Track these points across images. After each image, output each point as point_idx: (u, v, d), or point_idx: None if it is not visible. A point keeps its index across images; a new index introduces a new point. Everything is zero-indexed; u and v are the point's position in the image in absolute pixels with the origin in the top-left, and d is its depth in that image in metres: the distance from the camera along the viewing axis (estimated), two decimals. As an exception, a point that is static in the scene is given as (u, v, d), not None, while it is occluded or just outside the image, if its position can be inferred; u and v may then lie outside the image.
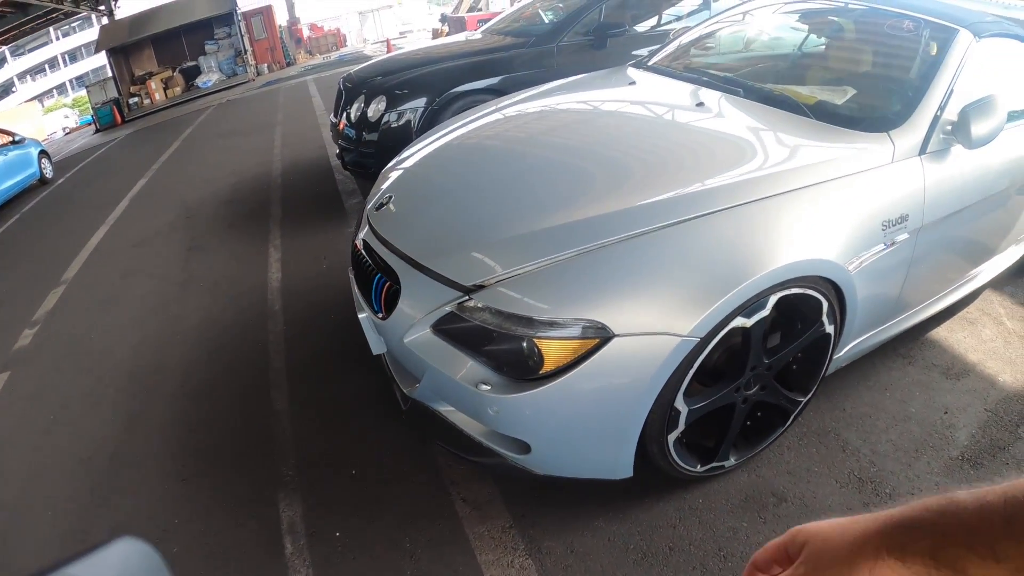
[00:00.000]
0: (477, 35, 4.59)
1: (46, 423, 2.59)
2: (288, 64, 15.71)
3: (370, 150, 3.85)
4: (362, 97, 3.88)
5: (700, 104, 2.11)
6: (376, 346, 1.83)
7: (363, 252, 1.88)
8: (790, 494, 1.78)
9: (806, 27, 2.63)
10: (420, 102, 3.74)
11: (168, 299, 3.23)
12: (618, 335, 1.38)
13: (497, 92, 3.75)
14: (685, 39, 2.87)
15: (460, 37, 4.79)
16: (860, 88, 2.11)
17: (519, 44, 4.07)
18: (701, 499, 1.78)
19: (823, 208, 1.62)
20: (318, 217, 3.98)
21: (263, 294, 3.08)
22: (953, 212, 1.87)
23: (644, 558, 1.63)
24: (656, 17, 4.47)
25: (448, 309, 1.51)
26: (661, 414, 1.51)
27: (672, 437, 1.58)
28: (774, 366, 1.66)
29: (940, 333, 2.45)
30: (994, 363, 2.27)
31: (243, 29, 16.04)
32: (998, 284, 2.62)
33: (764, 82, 2.30)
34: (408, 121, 3.74)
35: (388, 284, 1.69)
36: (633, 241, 1.48)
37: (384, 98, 3.77)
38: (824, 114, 1.94)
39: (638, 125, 2.15)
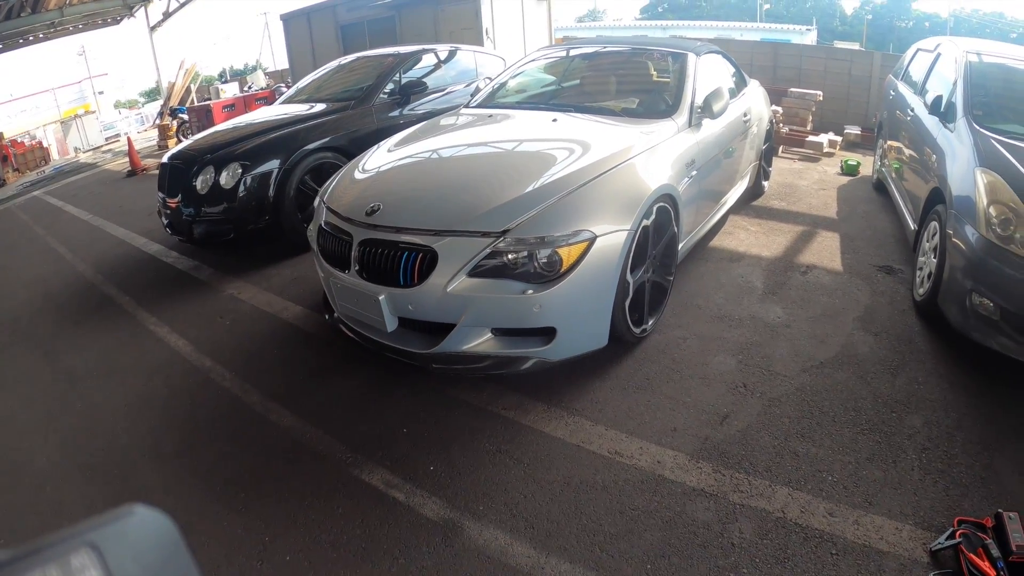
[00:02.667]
0: (294, 105, 5.14)
1: None
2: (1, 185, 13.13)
3: (227, 216, 4.10)
4: (209, 168, 4.12)
5: (555, 120, 3.22)
6: (390, 323, 2.43)
7: (367, 250, 2.44)
8: (686, 333, 2.96)
9: (595, 64, 4.08)
10: (275, 163, 4.18)
11: (63, 399, 2.96)
12: (599, 235, 2.32)
13: (336, 148, 4.45)
14: (499, 81, 4.05)
15: (277, 109, 5.25)
16: (643, 97, 3.52)
17: (342, 107, 4.79)
18: (642, 350, 2.82)
19: (661, 159, 2.87)
20: (180, 292, 3.95)
21: (182, 361, 3.07)
22: (712, 156, 3.37)
23: (642, 387, 2.60)
24: (441, 78, 5.63)
25: (488, 251, 2.25)
26: (622, 287, 2.48)
27: (627, 303, 2.55)
28: (658, 254, 2.80)
29: (716, 242, 4.01)
30: (755, 249, 3.90)
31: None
32: (736, 209, 4.35)
33: (582, 102, 3.58)
34: (266, 182, 4.14)
35: (420, 256, 2.32)
36: (585, 187, 2.47)
37: (238, 164, 4.10)
38: (630, 114, 3.26)
39: (532, 133, 3.17)
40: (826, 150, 6.26)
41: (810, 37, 23.47)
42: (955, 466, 2.09)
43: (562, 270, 2.27)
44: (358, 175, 3.00)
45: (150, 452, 2.46)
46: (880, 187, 4.99)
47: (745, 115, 4.06)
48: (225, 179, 4.09)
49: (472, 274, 2.27)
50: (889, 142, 4.77)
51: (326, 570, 1.83)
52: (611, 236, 2.38)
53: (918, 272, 3.22)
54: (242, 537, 1.97)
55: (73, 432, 2.66)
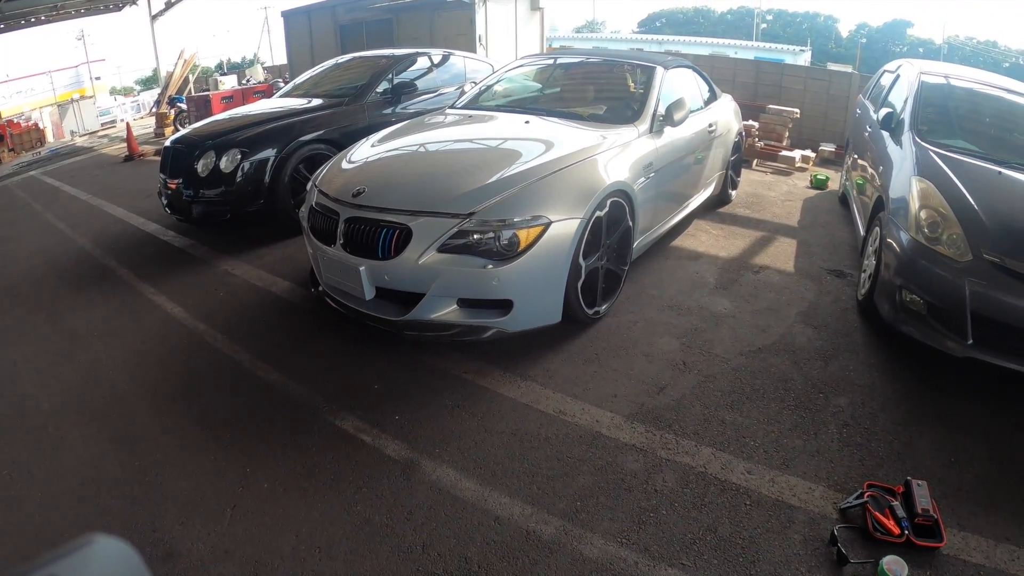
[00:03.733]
0: (292, 99, 5.48)
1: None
2: (-5, 164, 13.33)
3: (224, 198, 4.43)
4: (211, 153, 4.45)
5: (527, 122, 3.57)
6: (368, 291, 2.77)
7: (351, 227, 2.77)
8: (637, 318, 3.28)
9: (572, 73, 4.45)
10: (272, 151, 4.51)
11: (66, 353, 3.19)
12: (554, 221, 2.67)
13: (329, 141, 4.79)
14: (483, 86, 4.41)
15: (275, 102, 5.59)
16: (612, 104, 3.90)
17: (337, 103, 5.14)
18: (595, 329, 3.16)
19: (619, 159, 3.23)
20: (176, 266, 4.26)
21: (178, 325, 3.37)
22: (672, 161, 3.75)
23: (590, 360, 2.93)
24: (432, 80, 5.98)
25: (455, 230, 2.59)
26: (574, 269, 2.83)
27: (579, 284, 2.90)
28: (611, 244, 3.15)
29: (678, 242, 4.37)
30: (713, 250, 4.28)
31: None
32: (700, 214, 4.73)
33: (554, 107, 3.95)
34: (263, 168, 4.47)
35: (397, 233, 2.66)
36: (546, 179, 2.83)
37: (238, 151, 4.43)
38: (596, 119, 3.64)
39: (505, 132, 3.53)
40: (798, 164, 6.65)
41: (804, 58, 24.19)
42: (874, 441, 2.35)
43: (519, 249, 2.61)
44: (346, 164, 3.34)
45: (148, 398, 2.78)
46: (844, 200, 5.36)
47: (711, 126, 4.43)
48: (225, 164, 4.42)
49: (441, 250, 2.61)
50: (853, 157, 5.13)
51: (298, 495, 2.15)
52: (565, 223, 2.72)
53: (862, 274, 3.53)
54: (226, 468, 2.29)
55: (75, 381, 2.97)
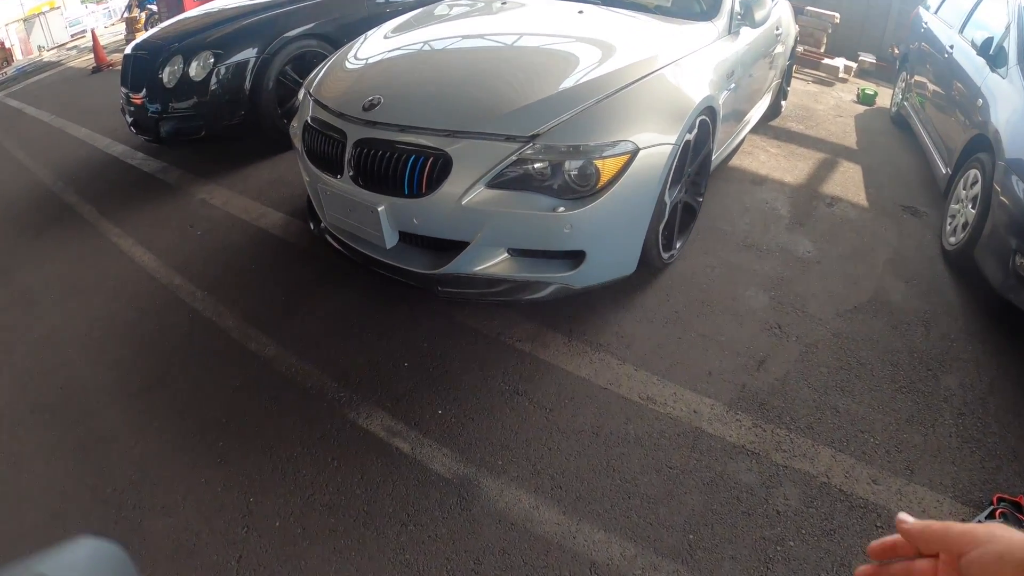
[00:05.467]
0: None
1: None
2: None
3: (197, 111, 3.44)
4: (177, 59, 3.41)
5: (581, 11, 2.58)
6: (390, 238, 1.95)
7: (364, 151, 1.91)
8: (713, 260, 2.55)
9: None
10: (252, 52, 3.46)
11: (19, 326, 2.42)
12: (642, 148, 1.83)
13: (321, 36, 3.71)
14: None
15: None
16: None
17: (328, -8, 3.99)
18: (668, 277, 2.41)
19: (704, 67, 2.31)
20: (146, 198, 3.34)
21: (148, 280, 2.56)
22: (748, 70, 2.79)
23: (670, 320, 2.20)
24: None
25: (513, 158, 1.74)
26: (659, 208, 2.02)
27: (661, 227, 2.11)
28: (692, 172, 2.32)
29: (736, 162, 3.50)
30: (777, 173, 3.41)
31: None
32: (756, 129, 3.81)
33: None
34: (242, 72, 3.45)
35: (430, 161, 1.81)
36: (625, 91, 1.93)
37: (210, 53, 3.39)
38: (664, 12, 2.63)
39: (557, 24, 2.50)
40: (841, 75, 5.65)
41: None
42: (989, 436, 1.83)
43: (599, 186, 1.79)
44: (351, 64, 2.38)
45: (115, 388, 2.01)
46: (901, 122, 4.49)
47: (777, 28, 3.44)
48: (195, 70, 3.38)
49: (492, 185, 1.77)
50: (916, 77, 4.22)
51: (323, 540, 1.46)
52: (655, 149, 1.88)
53: (949, 220, 2.82)
54: (223, 497, 1.58)
55: (28, 366, 2.18)
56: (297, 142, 2.26)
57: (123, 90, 3.71)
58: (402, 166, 1.84)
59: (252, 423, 1.80)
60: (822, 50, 6.12)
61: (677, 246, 2.42)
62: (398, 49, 2.43)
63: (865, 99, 5.14)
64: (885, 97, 5.15)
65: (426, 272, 1.96)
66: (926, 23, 4.42)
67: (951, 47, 3.61)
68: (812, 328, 2.21)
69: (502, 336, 2.09)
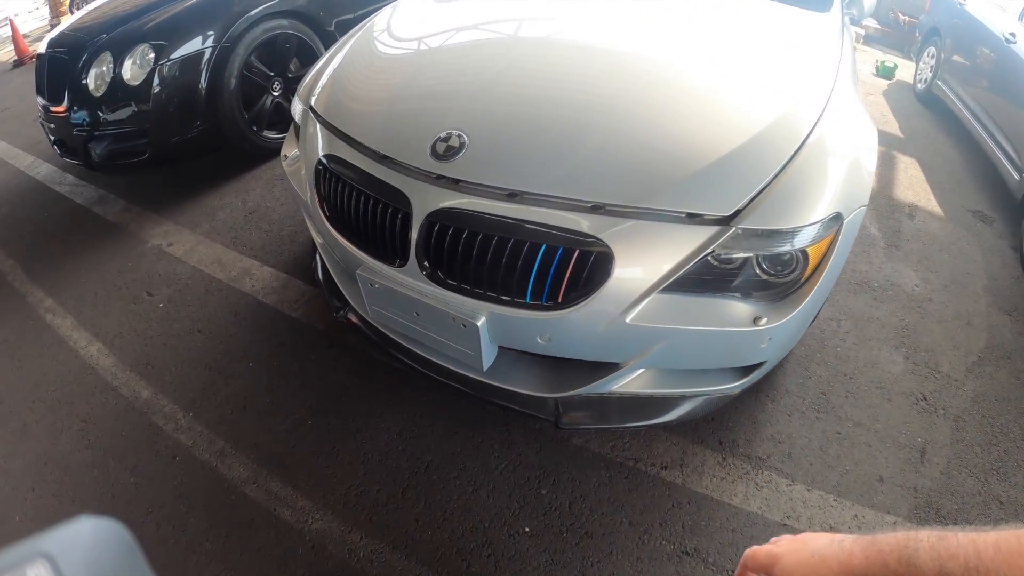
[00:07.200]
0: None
1: None
2: None
3: (138, 125, 2.55)
4: (105, 56, 2.49)
5: None
6: (487, 358, 1.30)
7: (447, 226, 1.20)
8: (835, 311, 2.05)
9: None
10: (205, 40, 2.57)
11: None
12: (846, 217, 1.24)
13: (294, 14, 2.84)
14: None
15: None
16: None
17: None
18: (802, 340, 1.90)
19: (853, 79, 1.70)
20: (84, 247, 2.44)
21: (104, 390, 1.75)
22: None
23: (821, 408, 1.71)
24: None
25: (708, 251, 1.11)
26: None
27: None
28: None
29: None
30: None
31: None
32: None
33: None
34: (194, 68, 2.57)
35: (575, 256, 1.12)
36: (817, 135, 1.27)
37: (148, 47, 2.49)
38: None
39: (676, 13, 1.76)
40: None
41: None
42: None
43: (803, 277, 1.20)
44: (384, 61, 1.61)
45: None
46: (932, 102, 4.10)
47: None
48: (130, 70, 2.48)
49: (670, 288, 1.14)
50: (956, 58, 3.82)
51: None
52: (854, 215, 1.28)
53: None
54: None
55: None
56: (301, 187, 1.52)
57: (40, 101, 2.74)
58: (523, 260, 1.15)
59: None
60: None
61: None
62: (461, 33, 1.64)
63: (885, 72, 4.75)
64: (903, 69, 4.79)
65: (541, 395, 1.33)
66: (962, 1, 3.99)
67: (1012, 35, 3.19)
68: (953, 394, 1.84)
69: (640, 464, 1.50)
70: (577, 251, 1.11)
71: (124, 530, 0.25)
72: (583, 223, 1.11)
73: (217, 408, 1.65)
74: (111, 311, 2.06)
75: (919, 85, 4.32)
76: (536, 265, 1.13)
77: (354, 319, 1.58)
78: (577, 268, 1.12)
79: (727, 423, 1.63)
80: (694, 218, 1.12)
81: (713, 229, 1.11)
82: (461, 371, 1.38)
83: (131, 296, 2.12)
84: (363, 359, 1.78)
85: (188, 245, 2.39)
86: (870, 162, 1.42)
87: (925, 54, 4.32)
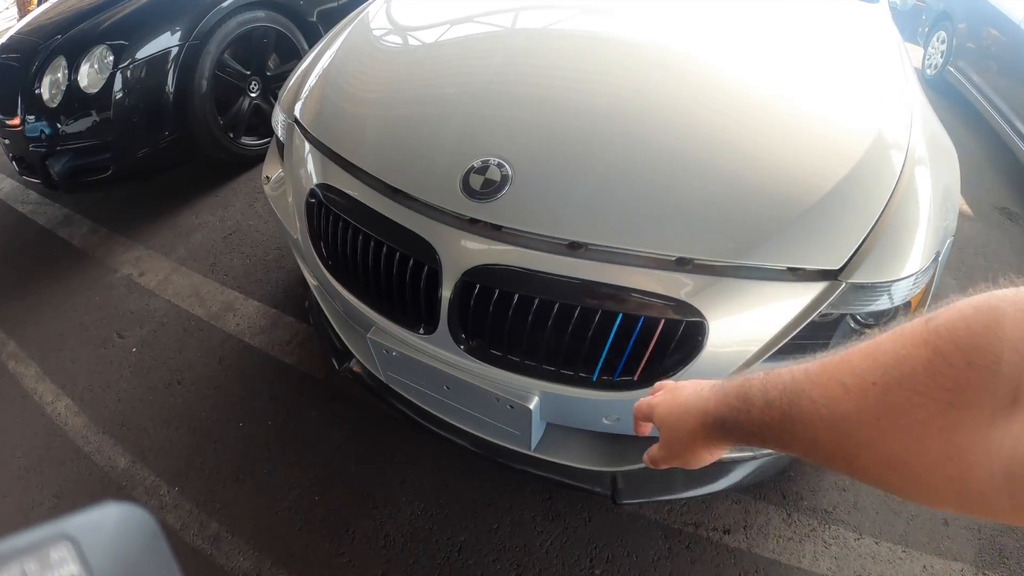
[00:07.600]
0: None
1: None
2: None
3: (99, 138, 2.26)
4: (59, 61, 2.18)
5: None
6: (536, 437, 1.10)
7: (488, 287, 0.96)
8: None
9: None
10: (171, 38, 2.28)
11: None
12: (940, 255, 1.06)
13: (270, 4, 2.55)
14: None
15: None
16: None
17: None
18: None
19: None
20: (47, 279, 2.18)
21: (75, 457, 1.51)
22: None
23: None
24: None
25: (815, 314, 0.91)
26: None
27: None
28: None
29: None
30: None
31: None
32: None
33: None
34: (160, 71, 2.29)
35: (661, 326, 0.90)
36: (906, 172, 1.05)
37: (107, 48, 2.19)
38: None
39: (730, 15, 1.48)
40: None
41: None
42: None
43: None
44: (385, 61, 1.34)
45: None
46: (940, 87, 3.96)
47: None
48: (87, 76, 2.18)
49: (771, 358, 0.93)
50: (969, 43, 3.66)
51: None
52: (946, 248, 1.10)
53: None
54: None
55: None
56: (288, 219, 1.27)
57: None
58: (594, 331, 0.92)
59: None
60: None
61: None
62: (490, 19, 1.38)
63: (889, 59, 4.57)
64: (910, 54, 4.63)
65: (596, 470, 1.13)
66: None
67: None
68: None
69: (700, 529, 1.33)
70: (663, 320, 0.90)
71: (150, 517, 0.24)
72: (668, 284, 0.90)
73: (206, 481, 1.42)
74: (79, 357, 1.81)
75: (929, 71, 4.17)
76: (611, 338, 0.92)
77: (359, 370, 1.35)
78: (662, 340, 0.91)
79: (788, 473, 1.47)
80: (796, 272, 0.91)
81: (820, 286, 0.91)
82: (501, 443, 1.17)
83: (100, 338, 1.86)
84: (373, 413, 1.56)
85: (161, 274, 2.13)
86: (956, 182, 1.23)
87: (935, 39, 4.15)
